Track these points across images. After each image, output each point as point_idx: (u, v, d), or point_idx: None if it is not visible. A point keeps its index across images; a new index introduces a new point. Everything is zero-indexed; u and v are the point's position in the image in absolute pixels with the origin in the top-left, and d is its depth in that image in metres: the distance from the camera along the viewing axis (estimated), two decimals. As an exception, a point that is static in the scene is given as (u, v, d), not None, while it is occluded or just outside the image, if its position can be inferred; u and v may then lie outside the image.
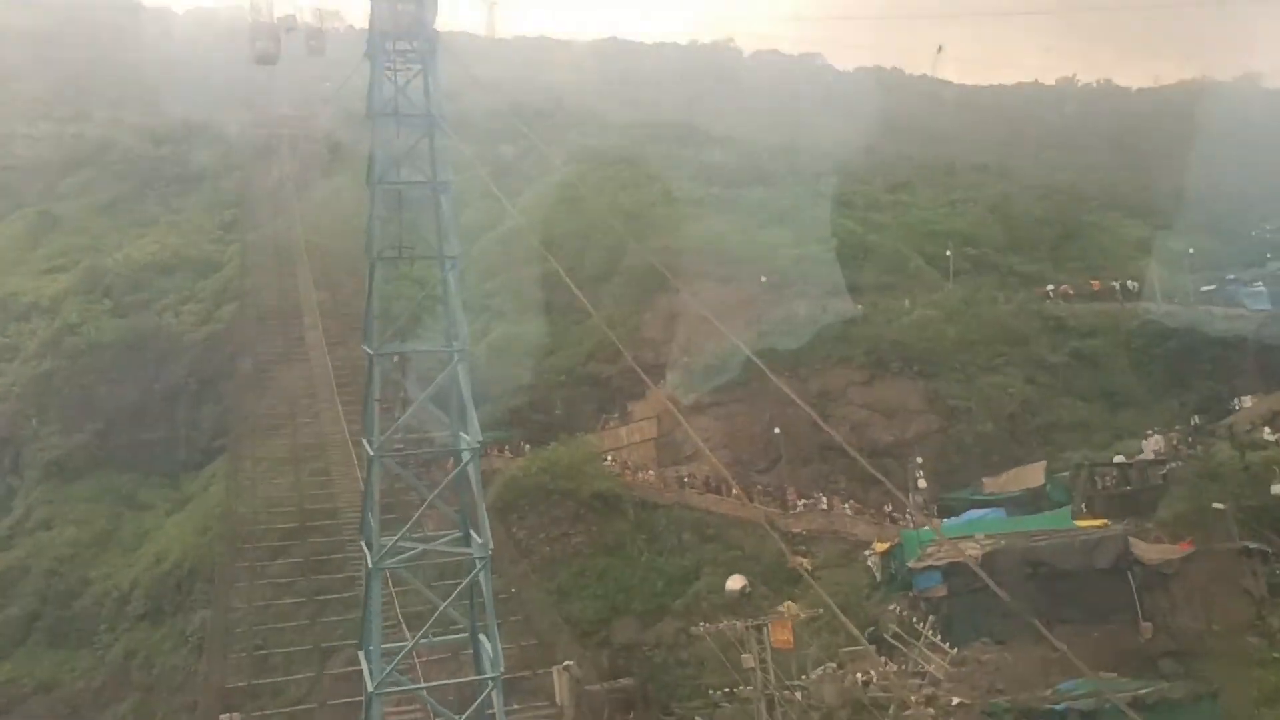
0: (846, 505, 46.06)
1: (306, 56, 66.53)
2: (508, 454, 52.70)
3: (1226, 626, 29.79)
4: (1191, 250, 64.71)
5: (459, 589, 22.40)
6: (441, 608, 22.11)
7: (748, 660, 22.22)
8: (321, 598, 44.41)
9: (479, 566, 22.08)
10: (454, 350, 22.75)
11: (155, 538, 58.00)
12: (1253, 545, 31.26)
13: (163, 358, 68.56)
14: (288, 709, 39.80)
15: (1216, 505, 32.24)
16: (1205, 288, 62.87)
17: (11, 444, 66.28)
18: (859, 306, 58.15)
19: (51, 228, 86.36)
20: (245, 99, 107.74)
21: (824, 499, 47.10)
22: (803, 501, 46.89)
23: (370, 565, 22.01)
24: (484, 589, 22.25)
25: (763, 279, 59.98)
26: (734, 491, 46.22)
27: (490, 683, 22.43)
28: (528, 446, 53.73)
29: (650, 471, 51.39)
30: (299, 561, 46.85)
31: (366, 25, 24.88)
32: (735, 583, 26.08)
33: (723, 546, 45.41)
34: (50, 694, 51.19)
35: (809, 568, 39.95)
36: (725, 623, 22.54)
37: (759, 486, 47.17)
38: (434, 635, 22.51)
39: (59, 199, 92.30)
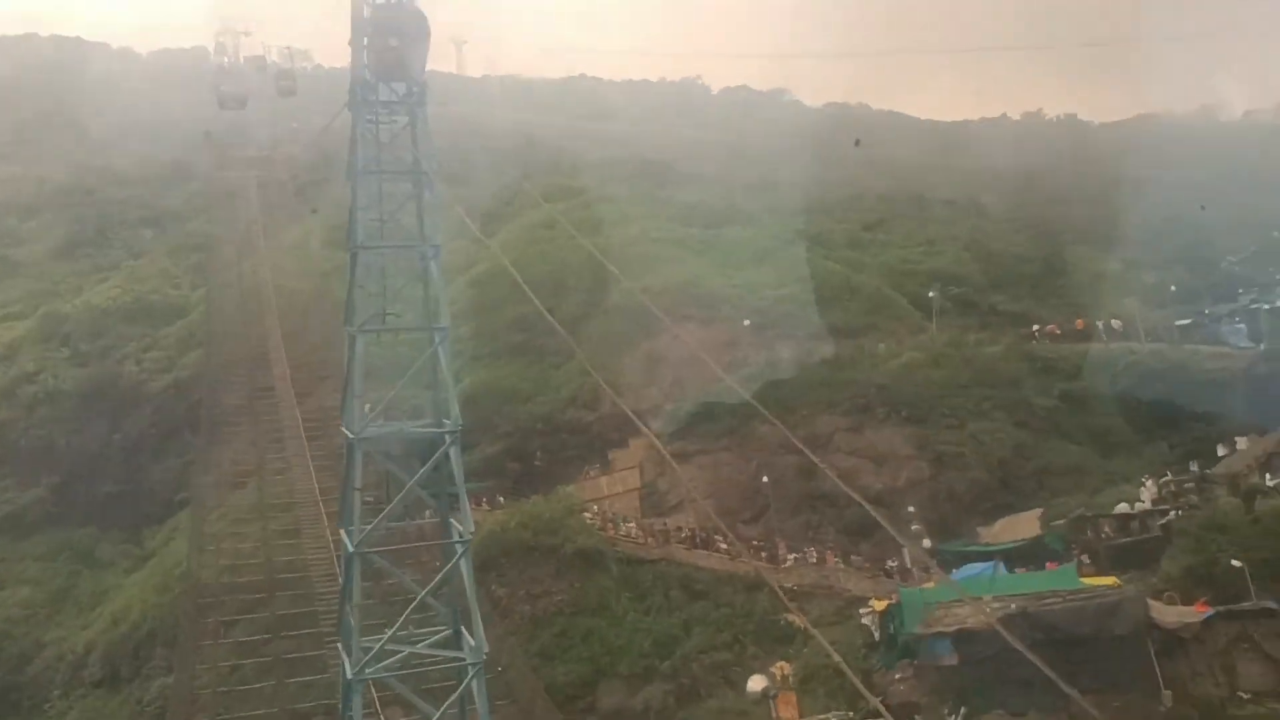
0: (839, 559, 44.49)
1: (276, 97, 64.89)
2: (485, 506, 50.68)
3: (1251, 693, 28.47)
4: (1174, 287, 64.22)
5: (450, 701, 19.72)
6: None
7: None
8: (290, 660, 42.16)
9: (471, 674, 19.50)
10: (446, 431, 20.54)
11: (114, 597, 55.34)
12: (1275, 605, 29.90)
13: (123, 408, 66.47)
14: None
15: (1235, 563, 30.93)
16: (1180, 321, 62.33)
17: (-37, 499, 63.44)
18: (843, 349, 57.02)
19: (9, 273, 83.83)
20: (212, 141, 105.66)
21: (814, 552, 45.55)
22: (793, 555, 45.28)
23: (349, 675, 19.13)
24: (477, 699, 19.48)
25: (745, 321, 58.79)
26: (724, 545, 44.54)
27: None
28: (502, 499, 51.88)
29: (633, 524, 49.58)
30: (266, 625, 44.51)
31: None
32: (757, 684, 23.69)
33: (712, 604, 43.65)
34: (-2, 769, 48.53)
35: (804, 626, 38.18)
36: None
37: (752, 542, 45.49)
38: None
39: (17, 243, 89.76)
